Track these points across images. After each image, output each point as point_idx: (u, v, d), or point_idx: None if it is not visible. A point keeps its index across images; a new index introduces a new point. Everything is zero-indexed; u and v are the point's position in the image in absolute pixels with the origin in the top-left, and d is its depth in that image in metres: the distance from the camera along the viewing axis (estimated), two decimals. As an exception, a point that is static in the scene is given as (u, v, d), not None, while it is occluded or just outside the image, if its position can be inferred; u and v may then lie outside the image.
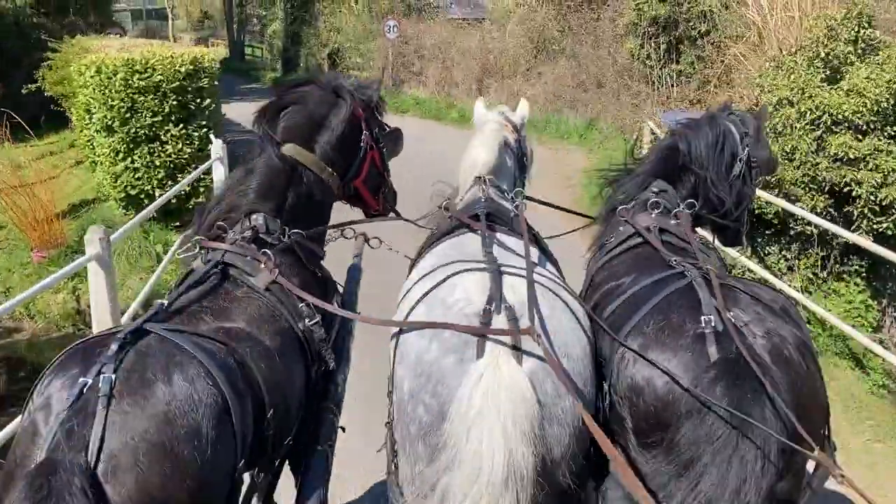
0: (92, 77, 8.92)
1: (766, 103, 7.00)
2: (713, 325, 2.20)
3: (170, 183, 9.07)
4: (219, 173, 7.93)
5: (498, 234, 2.64)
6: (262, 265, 2.50)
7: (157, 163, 9.07)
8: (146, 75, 8.85)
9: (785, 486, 2.07)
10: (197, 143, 9.20)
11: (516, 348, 2.08)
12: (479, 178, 3.15)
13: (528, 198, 3.38)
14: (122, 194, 9.23)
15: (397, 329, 2.33)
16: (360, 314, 3.06)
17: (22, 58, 15.78)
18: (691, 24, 14.26)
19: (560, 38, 18.45)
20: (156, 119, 8.94)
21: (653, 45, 15.10)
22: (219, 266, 2.46)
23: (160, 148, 9.08)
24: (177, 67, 8.98)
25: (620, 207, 3.09)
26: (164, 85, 8.88)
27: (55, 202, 11.06)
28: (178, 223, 9.42)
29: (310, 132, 2.87)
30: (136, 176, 9.09)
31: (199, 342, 2.01)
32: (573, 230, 3.79)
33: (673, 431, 2.13)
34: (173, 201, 8.90)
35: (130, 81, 8.79)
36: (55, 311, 8.14)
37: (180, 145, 9.11)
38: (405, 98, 20.38)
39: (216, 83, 9.77)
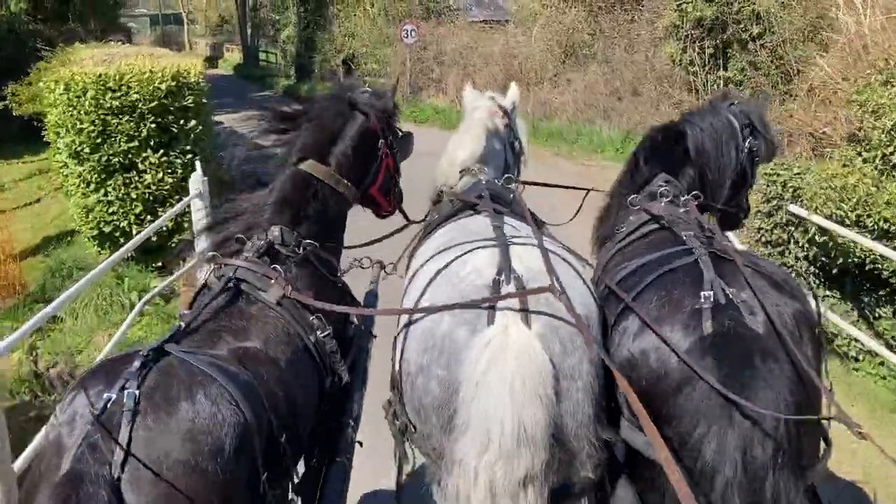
0: (60, 95, 7.68)
1: (874, 127, 5.55)
2: (712, 300, 2.24)
3: (149, 218, 7.81)
4: (199, 210, 6.64)
5: (504, 216, 2.71)
6: (273, 280, 2.54)
7: (134, 195, 7.79)
8: (120, 93, 7.58)
9: (791, 453, 2.05)
10: (180, 171, 7.90)
11: (525, 310, 2.13)
12: (466, 169, 3.23)
13: (523, 182, 3.43)
14: (95, 231, 7.97)
15: (411, 305, 2.36)
16: (376, 336, 3.13)
17: (18, 67, 14.64)
18: (742, 26, 12.77)
19: (591, 41, 17.01)
20: (132, 144, 7.66)
21: (697, 49, 13.62)
22: (231, 282, 2.51)
23: (137, 178, 7.80)
24: (156, 84, 7.70)
25: (632, 197, 3.12)
26: (140, 105, 7.60)
27: (28, 234, 9.88)
28: (159, 263, 8.14)
29: (326, 147, 2.93)
30: (110, 210, 7.82)
31: (218, 364, 2.04)
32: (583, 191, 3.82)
33: (668, 404, 2.20)
34: (153, 239, 7.64)
35: (102, 101, 7.52)
36: (9, 375, 6.87)
37: (160, 174, 7.83)
38: (423, 107, 19.04)
39: (204, 101, 8.48)
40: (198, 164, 7.91)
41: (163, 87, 7.76)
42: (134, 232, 7.74)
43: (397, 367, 2.42)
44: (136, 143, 7.69)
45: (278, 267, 2.61)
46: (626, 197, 3.18)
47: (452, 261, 2.39)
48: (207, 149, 8.56)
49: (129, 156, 7.73)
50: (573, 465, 2.17)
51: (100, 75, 7.62)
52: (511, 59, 18.10)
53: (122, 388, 1.81)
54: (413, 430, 2.38)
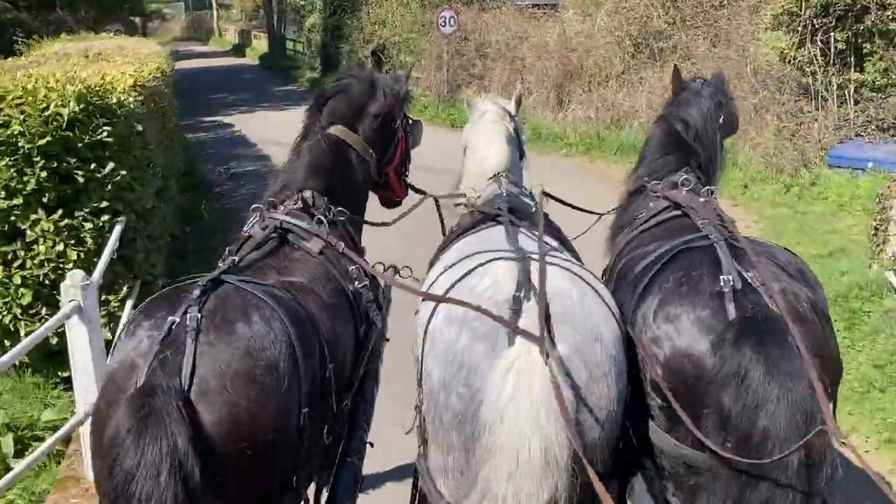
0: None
1: None
2: (731, 284, 2.27)
3: (44, 311, 5.16)
4: (78, 337, 3.94)
5: (521, 228, 2.72)
6: (317, 231, 2.72)
7: (19, 278, 5.11)
8: (-5, 124, 4.91)
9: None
10: (90, 239, 5.19)
11: (548, 331, 2.08)
12: (496, 175, 3.25)
13: (546, 194, 3.35)
14: (-33, 328, 5.33)
15: (427, 318, 2.35)
16: (388, 339, 3.14)
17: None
18: (889, 13, 9.62)
19: (669, 31, 13.90)
20: (14, 202, 4.99)
21: (819, 43, 10.49)
22: (277, 231, 2.68)
23: (24, 251, 5.12)
24: (52, 110, 4.99)
25: (653, 184, 3.15)
26: (25, 142, 4.91)
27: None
28: (67, 373, 5.46)
29: (353, 117, 3.13)
30: (-14, 300, 5.18)
31: (270, 291, 2.23)
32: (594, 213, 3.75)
33: (700, 390, 2.21)
34: (52, 339, 5.02)
35: (-33, 136, 4.88)
36: None
37: (59, 245, 5.14)
38: (463, 108, 16.13)
39: (139, 129, 5.74)
40: (116, 230, 5.23)
41: (64, 113, 5.04)
42: (22, 332, 5.12)
43: (421, 383, 2.36)
44: (19, 201, 4.99)
45: (322, 219, 2.78)
46: (642, 181, 3.23)
47: (470, 272, 2.34)
48: (145, 200, 5.82)
49: (11, 219, 5.04)
50: (593, 486, 2.06)
51: (-31, 95, 4.97)
52: (568, 52, 15.10)
53: (185, 312, 1.99)
54: (434, 447, 2.32)
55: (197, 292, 2.06)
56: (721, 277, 2.28)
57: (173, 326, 1.95)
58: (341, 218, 2.89)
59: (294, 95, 22.59)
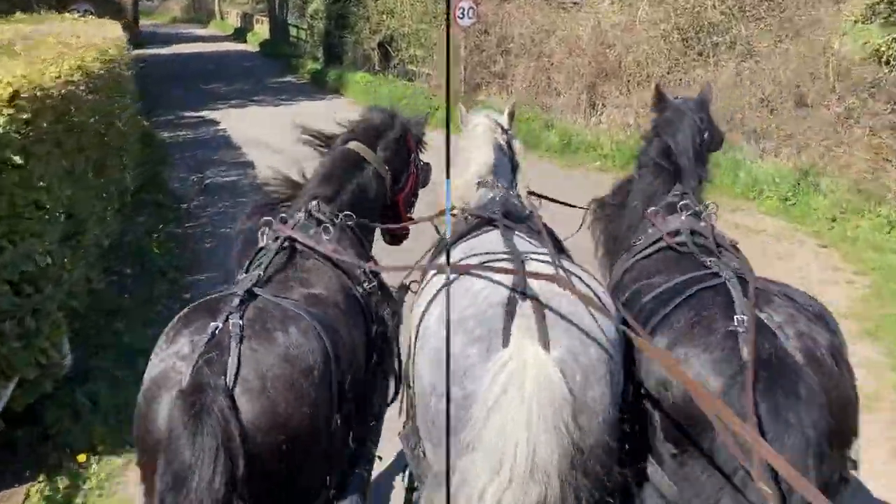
0: None
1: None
2: (746, 324, 2.20)
3: None
4: None
5: (516, 232, 2.73)
6: (324, 238, 2.85)
7: None
8: None
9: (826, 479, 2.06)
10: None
11: (543, 332, 2.07)
12: (482, 181, 3.31)
13: (532, 193, 3.46)
14: None
15: (418, 319, 2.37)
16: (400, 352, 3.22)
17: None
18: None
19: (726, 24, 11.87)
20: None
21: (927, 42, 8.49)
22: (287, 242, 2.79)
23: None
24: None
25: (651, 209, 3.15)
26: None
27: None
28: None
29: (373, 137, 3.32)
30: None
31: (302, 305, 2.40)
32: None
33: (702, 431, 2.13)
34: None
35: None
36: None
37: None
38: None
39: (15, 159, 3.80)
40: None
41: None
42: None
43: (411, 387, 2.40)
44: None
45: (329, 227, 2.90)
46: (639, 207, 3.22)
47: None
48: (24, 263, 3.87)
49: None
50: (591, 493, 2.05)
51: None
52: (604, 48, 13.09)
53: (227, 319, 2.15)
54: (423, 455, 2.36)
55: (236, 301, 2.23)
56: (734, 317, 2.21)
57: (216, 331, 2.11)
58: (349, 223, 3.00)
59: (292, 88, 20.61)
